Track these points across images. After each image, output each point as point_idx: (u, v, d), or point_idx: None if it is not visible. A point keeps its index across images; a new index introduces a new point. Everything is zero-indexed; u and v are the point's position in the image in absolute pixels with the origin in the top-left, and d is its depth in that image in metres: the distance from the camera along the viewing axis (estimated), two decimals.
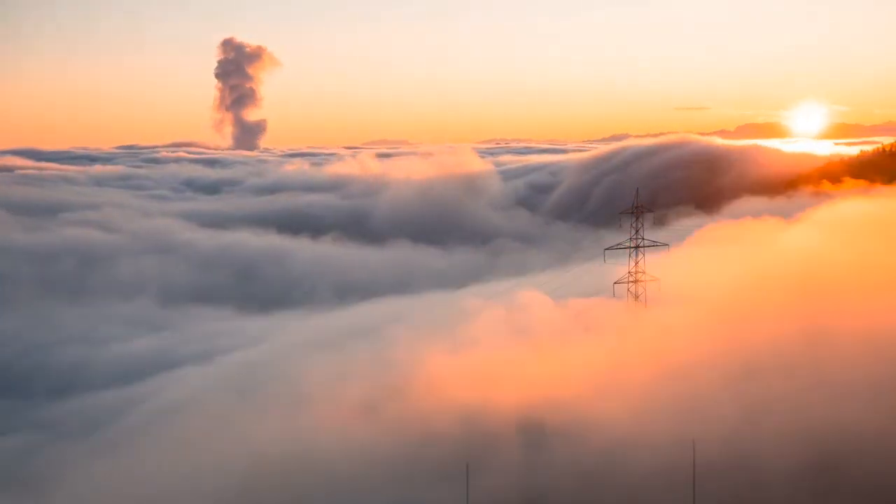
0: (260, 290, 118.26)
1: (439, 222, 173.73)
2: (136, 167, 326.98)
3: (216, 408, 54.26)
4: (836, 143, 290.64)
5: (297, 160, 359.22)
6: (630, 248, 63.30)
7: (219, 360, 74.33)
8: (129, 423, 59.03)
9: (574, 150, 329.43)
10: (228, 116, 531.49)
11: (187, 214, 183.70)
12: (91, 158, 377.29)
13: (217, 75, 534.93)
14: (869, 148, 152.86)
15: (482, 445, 39.65)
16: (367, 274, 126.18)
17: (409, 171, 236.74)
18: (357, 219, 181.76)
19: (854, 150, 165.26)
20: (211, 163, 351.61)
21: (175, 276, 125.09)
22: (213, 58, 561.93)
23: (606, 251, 62.13)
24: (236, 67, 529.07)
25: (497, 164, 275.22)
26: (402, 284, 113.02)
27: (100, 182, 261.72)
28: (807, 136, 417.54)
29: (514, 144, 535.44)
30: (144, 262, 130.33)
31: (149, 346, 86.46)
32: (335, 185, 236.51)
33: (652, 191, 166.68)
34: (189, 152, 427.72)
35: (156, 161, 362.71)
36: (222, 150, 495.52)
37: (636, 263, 63.65)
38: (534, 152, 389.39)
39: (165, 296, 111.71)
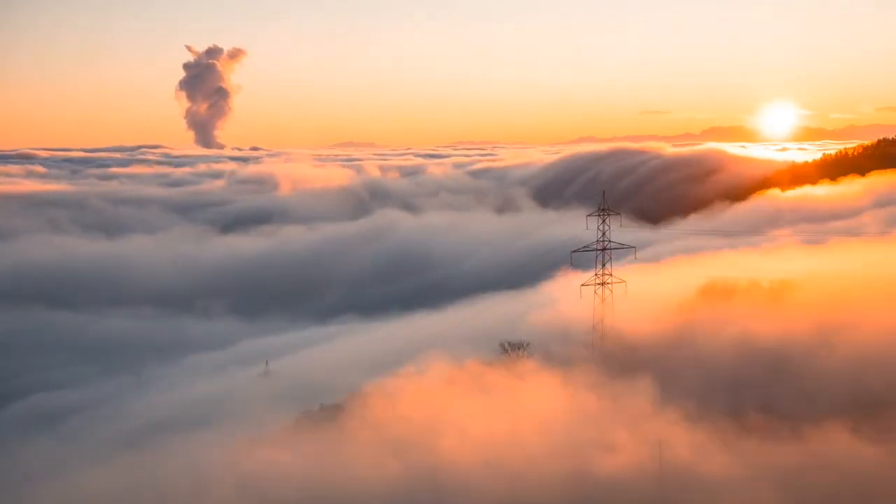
0: None
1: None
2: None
3: None
4: (776, 149, 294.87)
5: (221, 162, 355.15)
6: (597, 250, 61.00)
7: None
8: None
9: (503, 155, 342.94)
10: (185, 105, 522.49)
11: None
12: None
13: (185, 69, 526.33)
14: (831, 151, 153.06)
15: None
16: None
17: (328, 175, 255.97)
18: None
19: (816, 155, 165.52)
20: (125, 163, 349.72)
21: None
22: (176, 60, 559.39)
23: (573, 253, 59.37)
24: (207, 63, 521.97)
25: (401, 170, 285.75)
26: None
27: None
28: (771, 139, 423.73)
29: (482, 147, 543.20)
30: None
31: None
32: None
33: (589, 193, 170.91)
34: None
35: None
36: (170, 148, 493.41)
37: (603, 265, 61.31)
38: (454, 154, 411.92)
39: None
